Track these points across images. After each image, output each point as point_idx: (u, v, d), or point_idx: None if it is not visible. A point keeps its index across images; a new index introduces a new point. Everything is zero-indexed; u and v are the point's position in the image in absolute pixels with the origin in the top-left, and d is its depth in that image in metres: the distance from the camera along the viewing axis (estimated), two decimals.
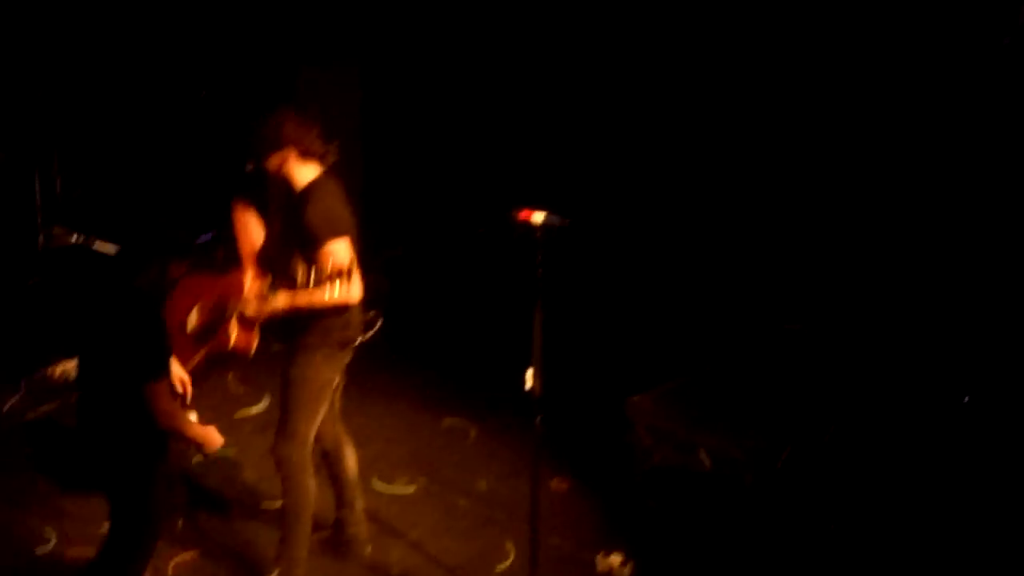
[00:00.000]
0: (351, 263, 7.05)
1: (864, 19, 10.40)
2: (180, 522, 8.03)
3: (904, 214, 10.25)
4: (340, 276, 6.91)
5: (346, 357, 7.46)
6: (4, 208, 12.10)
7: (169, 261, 6.62)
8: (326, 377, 7.39)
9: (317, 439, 7.59)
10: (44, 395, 9.68)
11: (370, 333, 7.76)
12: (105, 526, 7.57)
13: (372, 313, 7.47)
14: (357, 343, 7.53)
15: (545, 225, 6.89)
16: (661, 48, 11.60)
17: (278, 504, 8.00)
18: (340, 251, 7.09)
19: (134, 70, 12.73)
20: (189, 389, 7.13)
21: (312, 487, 7.47)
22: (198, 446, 6.75)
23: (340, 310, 7.20)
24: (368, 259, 7.64)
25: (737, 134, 11.25)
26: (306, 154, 7.24)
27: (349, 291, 7.04)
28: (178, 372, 7.08)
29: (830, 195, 10.69)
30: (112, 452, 6.59)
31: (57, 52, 12.37)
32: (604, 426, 9.02)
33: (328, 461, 7.80)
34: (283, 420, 7.43)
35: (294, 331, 7.32)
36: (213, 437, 6.76)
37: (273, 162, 7.23)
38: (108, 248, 12.00)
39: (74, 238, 12.02)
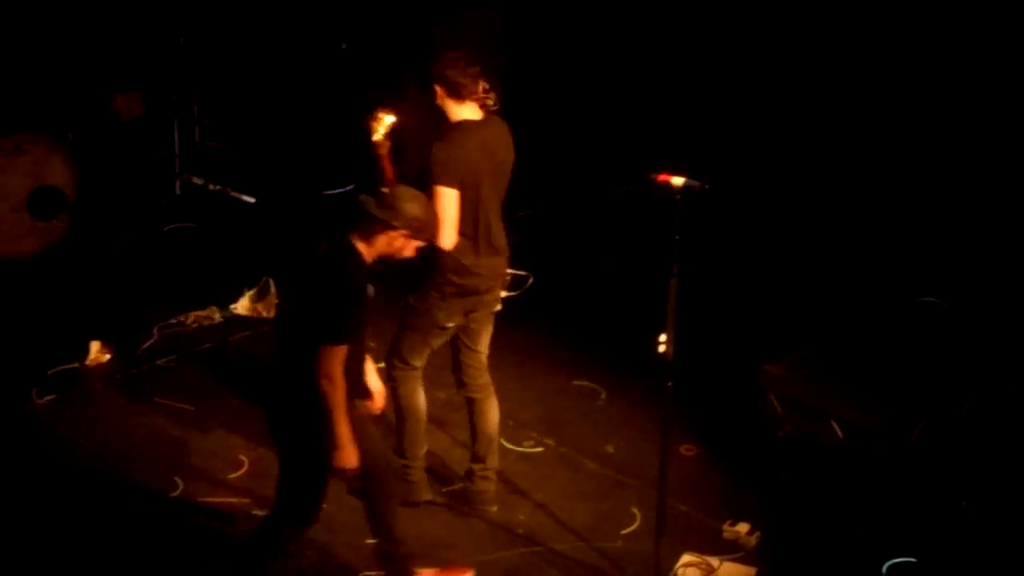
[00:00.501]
0: (441, 213, 7.16)
1: None
2: None
3: None
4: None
5: (465, 306, 7.58)
6: (143, 156, 12.24)
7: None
8: (433, 316, 7.55)
9: (463, 386, 7.85)
10: (177, 342, 9.78)
11: (515, 292, 7.76)
12: (231, 474, 7.71)
13: (524, 273, 7.47)
14: (491, 297, 7.65)
15: (684, 189, 6.82)
16: (808, 17, 11.52)
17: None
18: (439, 197, 7.19)
19: (274, 22, 12.81)
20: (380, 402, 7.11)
21: (413, 400, 7.76)
22: (331, 445, 6.43)
23: (446, 256, 7.32)
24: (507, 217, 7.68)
25: (878, 104, 11.13)
26: (455, 94, 7.35)
27: (437, 238, 7.13)
28: (376, 384, 7.08)
29: (970, 171, 10.56)
30: (291, 407, 6.59)
31: (197, 4, 12.47)
32: (736, 393, 8.95)
33: (471, 410, 7.89)
34: (392, 338, 7.77)
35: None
36: (350, 453, 6.45)
37: (436, 97, 7.42)
38: (246, 198, 12.17)
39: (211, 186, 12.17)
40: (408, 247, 6.60)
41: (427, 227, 6.69)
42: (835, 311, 10.05)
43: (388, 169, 7.52)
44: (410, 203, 6.56)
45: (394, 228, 6.48)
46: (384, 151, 7.54)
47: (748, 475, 8.42)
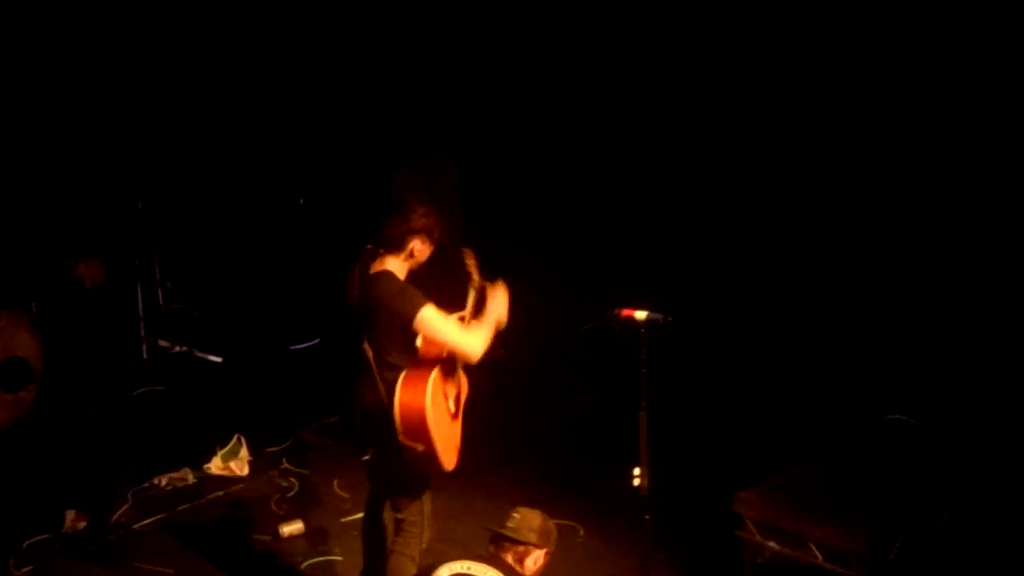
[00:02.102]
0: None
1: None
2: None
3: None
4: None
5: None
6: (108, 322, 12.26)
7: None
8: None
9: None
10: (153, 506, 9.75)
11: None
12: None
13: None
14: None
15: (648, 322, 6.88)
16: (761, 150, 11.67)
17: None
18: None
19: (231, 180, 12.93)
20: None
21: None
22: None
23: None
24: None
25: (836, 228, 11.26)
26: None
27: None
28: None
29: (934, 290, 10.67)
30: None
31: (156, 168, 12.58)
32: (713, 522, 8.94)
33: None
34: None
35: None
36: None
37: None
38: (212, 358, 12.19)
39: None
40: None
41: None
42: (806, 433, 10.09)
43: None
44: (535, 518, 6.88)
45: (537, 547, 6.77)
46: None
47: None
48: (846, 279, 11.35)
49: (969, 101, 10.59)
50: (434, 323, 7.12)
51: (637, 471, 6.98)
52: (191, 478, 10.09)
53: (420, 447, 7.12)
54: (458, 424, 7.54)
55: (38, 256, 11.67)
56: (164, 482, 10.00)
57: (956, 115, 10.63)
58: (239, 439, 10.30)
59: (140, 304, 12.48)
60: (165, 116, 12.91)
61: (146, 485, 9.95)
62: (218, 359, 12.30)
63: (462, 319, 7.32)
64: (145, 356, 12.45)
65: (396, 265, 7.38)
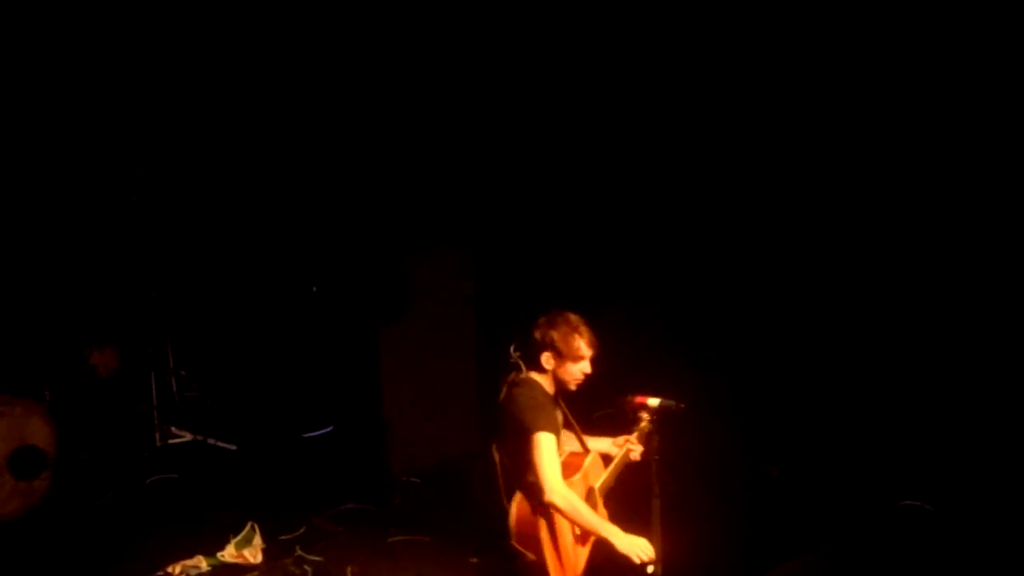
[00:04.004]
0: None
1: None
2: None
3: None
4: None
5: None
6: (122, 410, 12.28)
7: None
8: None
9: None
10: None
11: None
12: None
13: None
14: None
15: (660, 409, 6.90)
16: (763, 226, 11.71)
17: None
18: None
19: (244, 268, 12.98)
20: None
21: None
22: None
23: None
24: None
25: (850, 313, 11.30)
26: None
27: None
28: None
29: (947, 375, 10.67)
30: None
31: (170, 256, 12.64)
32: None
33: None
34: None
35: None
36: None
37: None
38: (226, 446, 12.21)
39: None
40: None
41: None
42: (820, 519, 10.07)
43: None
44: None
45: None
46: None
47: None
48: (861, 364, 11.36)
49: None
50: (539, 449, 6.99)
51: (651, 556, 6.97)
52: (205, 566, 10.07)
53: (531, 556, 7.08)
54: (583, 549, 7.34)
55: (52, 344, 11.70)
56: (178, 570, 9.97)
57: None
58: (252, 526, 10.29)
59: (154, 392, 12.50)
60: (178, 205, 12.99)
61: (160, 574, 9.93)
62: (231, 447, 12.31)
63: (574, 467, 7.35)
64: (158, 444, 12.46)
65: (540, 378, 7.31)
